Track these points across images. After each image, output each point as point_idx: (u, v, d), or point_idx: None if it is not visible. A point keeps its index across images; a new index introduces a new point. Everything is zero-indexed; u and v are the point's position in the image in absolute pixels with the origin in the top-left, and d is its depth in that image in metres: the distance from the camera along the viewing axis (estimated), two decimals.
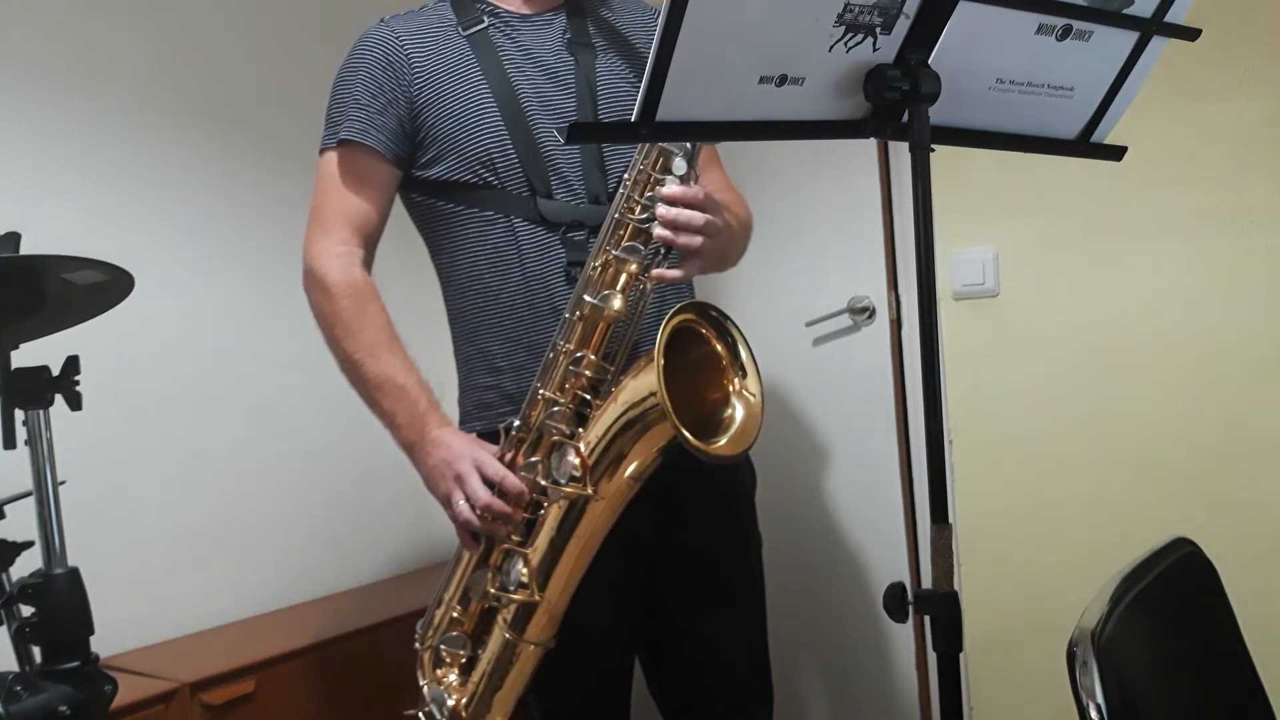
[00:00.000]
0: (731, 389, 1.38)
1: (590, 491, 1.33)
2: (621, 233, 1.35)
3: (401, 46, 1.47)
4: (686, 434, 1.27)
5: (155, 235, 2.10)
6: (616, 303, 1.33)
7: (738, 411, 1.37)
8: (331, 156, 1.49)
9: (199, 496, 2.14)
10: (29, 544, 1.27)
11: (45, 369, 1.22)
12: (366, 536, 2.46)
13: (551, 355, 1.37)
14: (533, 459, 1.36)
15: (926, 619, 1.04)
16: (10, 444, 1.21)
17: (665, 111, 0.95)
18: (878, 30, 1.01)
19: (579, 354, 1.35)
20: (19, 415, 1.21)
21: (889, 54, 1.04)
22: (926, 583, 1.04)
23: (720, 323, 1.39)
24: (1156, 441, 1.94)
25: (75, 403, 1.24)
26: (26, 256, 1.22)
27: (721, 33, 0.94)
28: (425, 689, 1.45)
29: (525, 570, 1.35)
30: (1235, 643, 1.20)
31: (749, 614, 1.57)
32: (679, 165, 1.33)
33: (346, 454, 2.37)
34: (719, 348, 1.39)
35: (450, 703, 1.42)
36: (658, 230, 1.31)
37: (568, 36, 1.51)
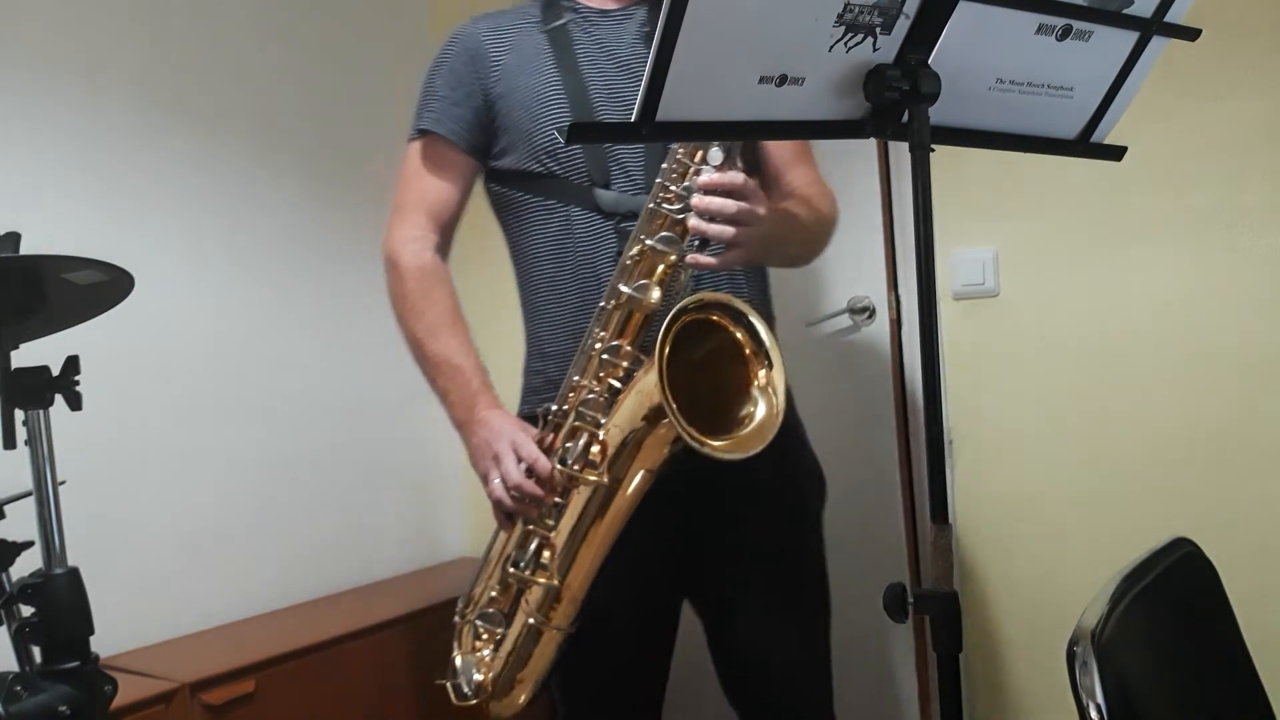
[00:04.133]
0: (756, 384, 1.38)
1: (606, 479, 1.34)
2: (659, 223, 1.36)
3: (482, 42, 1.54)
4: (689, 431, 1.28)
5: (155, 235, 2.10)
6: (655, 294, 1.35)
7: (759, 409, 1.37)
8: (414, 147, 1.58)
9: (199, 496, 2.14)
10: (29, 544, 1.26)
11: (45, 369, 1.22)
12: (367, 536, 2.45)
13: (588, 342, 1.39)
14: (566, 444, 1.38)
15: (926, 619, 1.04)
16: (10, 444, 1.20)
17: (665, 111, 0.95)
18: (878, 30, 1.01)
19: (614, 343, 1.37)
20: (19, 415, 1.21)
21: (889, 54, 1.04)
22: (927, 583, 1.04)
23: (744, 316, 1.38)
24: (1156, 441, 1.94)
25: (75, 403, 1.24)
26: (26, 256, 1.21)
27: (721, 33, 0.94)
28: (458, 659, 1.47)
29: (547, 554, 1.38)
30: (1235, 643, 1.20)
31: (808, 618, 1.57)
32: (715, 155, 1.34)
33: (347, 454, 2.37)
34: (740, 336, 1.38)
35: (478, 677, 1.44)
36: (692, 221, 1.33)
37: (645, 29, 1.53)
